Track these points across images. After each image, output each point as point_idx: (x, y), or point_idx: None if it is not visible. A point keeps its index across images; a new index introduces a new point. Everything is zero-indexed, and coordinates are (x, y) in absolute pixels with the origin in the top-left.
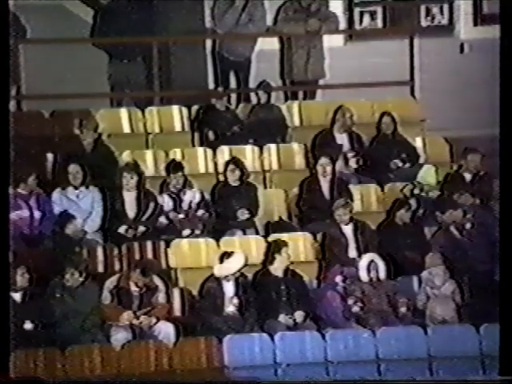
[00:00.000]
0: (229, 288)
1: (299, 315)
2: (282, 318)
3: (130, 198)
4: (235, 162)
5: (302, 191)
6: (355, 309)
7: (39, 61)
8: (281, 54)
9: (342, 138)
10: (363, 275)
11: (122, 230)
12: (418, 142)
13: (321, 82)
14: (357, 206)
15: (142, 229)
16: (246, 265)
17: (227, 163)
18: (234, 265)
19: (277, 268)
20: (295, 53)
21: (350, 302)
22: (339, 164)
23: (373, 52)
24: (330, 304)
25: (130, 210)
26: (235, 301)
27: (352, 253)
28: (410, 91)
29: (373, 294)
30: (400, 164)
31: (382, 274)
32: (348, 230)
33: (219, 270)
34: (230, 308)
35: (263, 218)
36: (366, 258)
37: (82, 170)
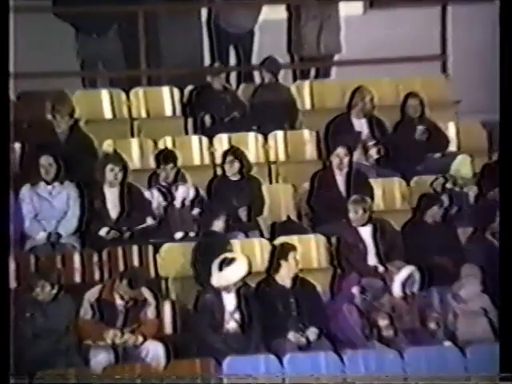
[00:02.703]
0: (229, 300)
1: (312, 332)
2: (291, 335)
3: (112, 195)
4: (234, 152)
5: (314, 186)
6: (383, 327)
7: None
8: (289, 24)
9: (360, 124)
10: (397, 291)
11: (102, 232)
12: (450, 128)
13: (336, 57)
14: (378, 203)
15: (126, 231)
16: (249, 272)
17: (225, 154)
18: (235, 273)
19: (283, 276)
20: (306, 24)
21: (378, 319)
22: (357, 154)
23: (397, 22)
24: (346, 319)
25: (113, 208)
26: (237, 316)
27: (371, 260)
28: (441, 68)
29: (403, 310)
30: (429, 154)
31: (417, 288)
32: (366, 232)
33: (218, 280)
34: (231, 324)
35: (268, 218)
36: (405, 272)
37: (55, 162)
